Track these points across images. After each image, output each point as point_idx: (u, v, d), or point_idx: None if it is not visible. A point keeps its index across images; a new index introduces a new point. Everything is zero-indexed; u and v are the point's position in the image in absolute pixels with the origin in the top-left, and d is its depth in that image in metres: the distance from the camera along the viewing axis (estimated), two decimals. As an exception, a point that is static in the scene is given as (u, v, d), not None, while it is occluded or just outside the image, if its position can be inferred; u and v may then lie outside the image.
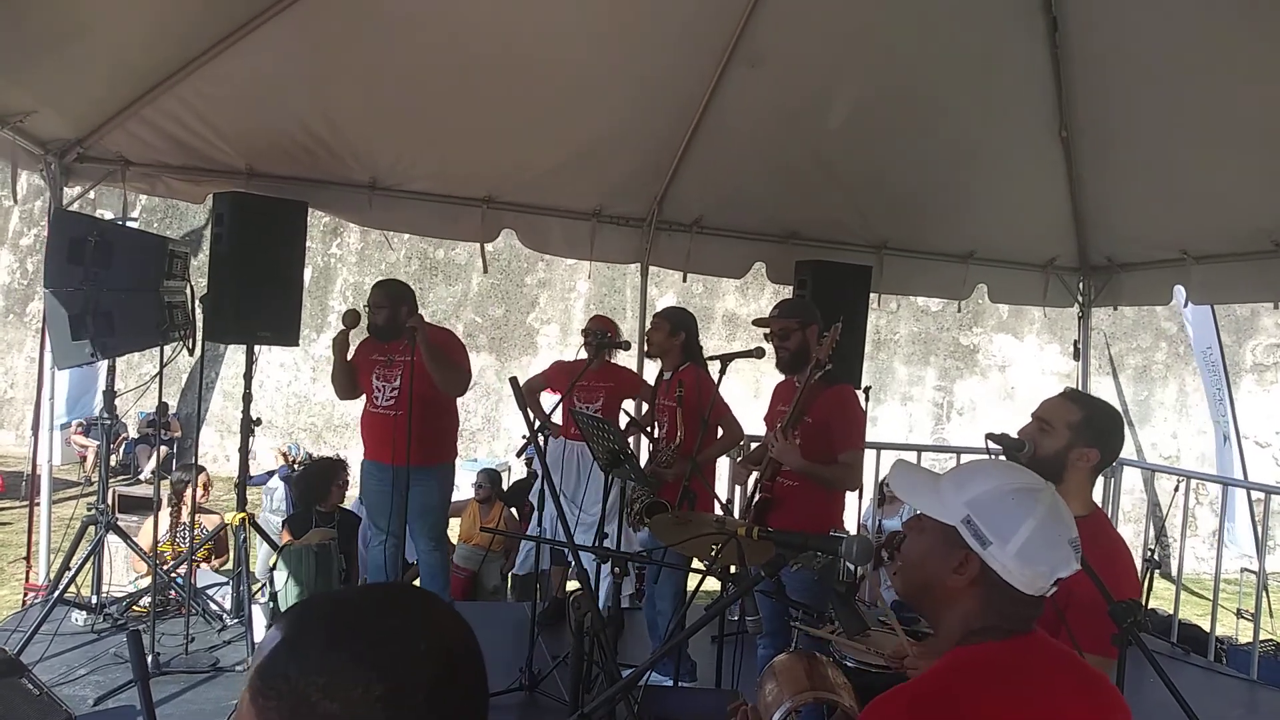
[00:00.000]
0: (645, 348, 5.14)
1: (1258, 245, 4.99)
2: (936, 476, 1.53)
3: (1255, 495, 7.46)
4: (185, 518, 5.69)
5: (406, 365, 4.44)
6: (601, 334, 4.81)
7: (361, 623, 0.88)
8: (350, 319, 4.48)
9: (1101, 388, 11.27)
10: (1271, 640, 6.05)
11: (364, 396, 4.76)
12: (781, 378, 3.91)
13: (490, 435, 11.70)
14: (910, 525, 1.53)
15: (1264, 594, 5.59)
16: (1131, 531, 10.42)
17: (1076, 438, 2.23)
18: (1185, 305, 6.10)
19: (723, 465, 5.29)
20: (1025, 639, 1.44)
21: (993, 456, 2.21)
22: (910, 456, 6.42)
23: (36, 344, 5.50)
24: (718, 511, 4.30)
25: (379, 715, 0.83)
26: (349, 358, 4.75)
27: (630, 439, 4.78)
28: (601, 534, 3.90)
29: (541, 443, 4.24)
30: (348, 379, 4.72)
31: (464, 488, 6.41)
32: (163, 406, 4.69)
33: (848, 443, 3.65)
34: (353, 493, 5.91)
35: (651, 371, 5.18)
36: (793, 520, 3.48)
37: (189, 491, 5.74)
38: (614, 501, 4.22)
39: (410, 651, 0.86)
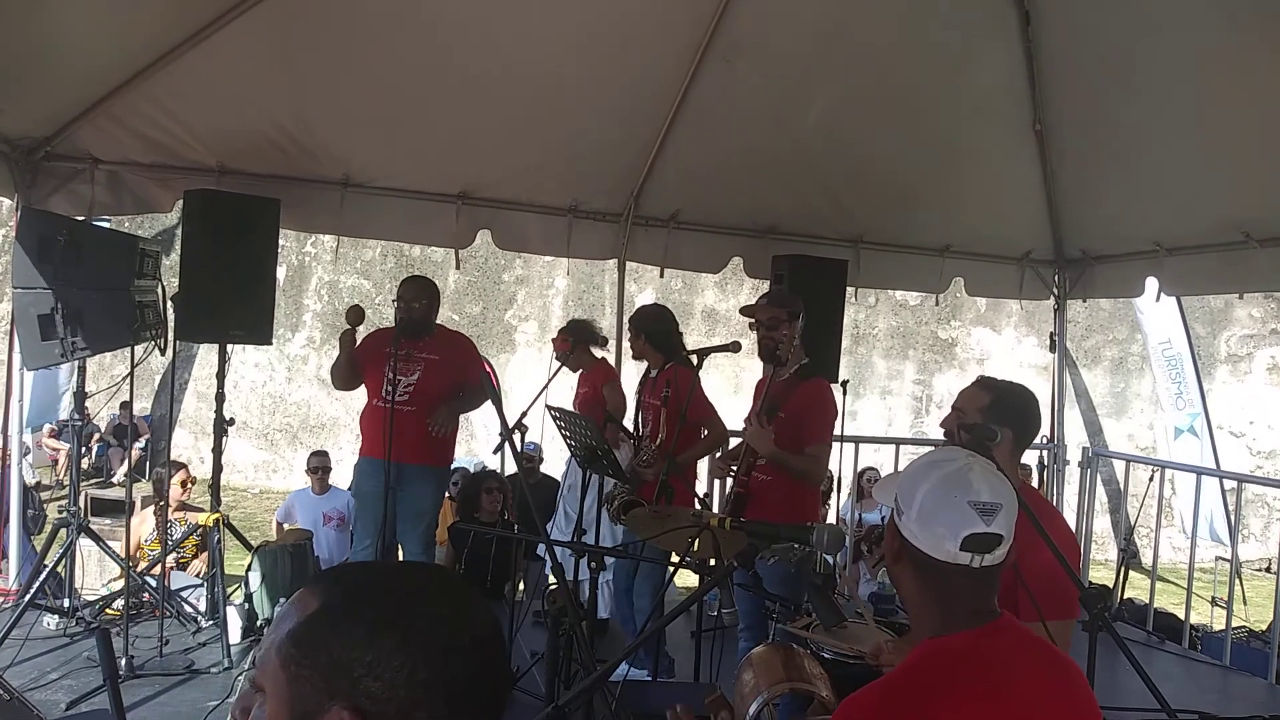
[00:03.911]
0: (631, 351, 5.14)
1: (1229, 237, 5.04)
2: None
3: (1228, 484, 7.55)
4: (171, 515, 5.62)
5: (428, 362, 4.50)
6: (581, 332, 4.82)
7: (413, 608, 0.88)
8: (355, 316, 4.44)
9: (1080, 379, 11.40)
10: (1245, 627, 6.12)
11: (365, 391, 4.67)
12: (764, 374, 3.92)
13: (467, 434, 11.64)
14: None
15: (1237, 581, 5.66)
16: (1109, 522, 10.53)
17: (988, 420, 2.35)
18: (1158, 298, 6.13)
19: (703, 463, 5.29)
20: (994, 626, 1.46)
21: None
22: (889, 450, 6.46)
23: (5, 345, 5.42)
24: (696, 507, 4.31)
25: (418, 698, 0.84)
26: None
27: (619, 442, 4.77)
28: (580, 530, 3.89)
29: (517, 441, 4.23)
30: (352, 372, 4.65)
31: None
32: (124, 407, 4.63)
33: (817, 436, 3.68)
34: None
35: (629, 368, 5.17)
36: (768, 514, 3.49)
37: (169, 488, 5.67)
38: (592, 499, 4.21)
39: (457, 643, 0.87)
